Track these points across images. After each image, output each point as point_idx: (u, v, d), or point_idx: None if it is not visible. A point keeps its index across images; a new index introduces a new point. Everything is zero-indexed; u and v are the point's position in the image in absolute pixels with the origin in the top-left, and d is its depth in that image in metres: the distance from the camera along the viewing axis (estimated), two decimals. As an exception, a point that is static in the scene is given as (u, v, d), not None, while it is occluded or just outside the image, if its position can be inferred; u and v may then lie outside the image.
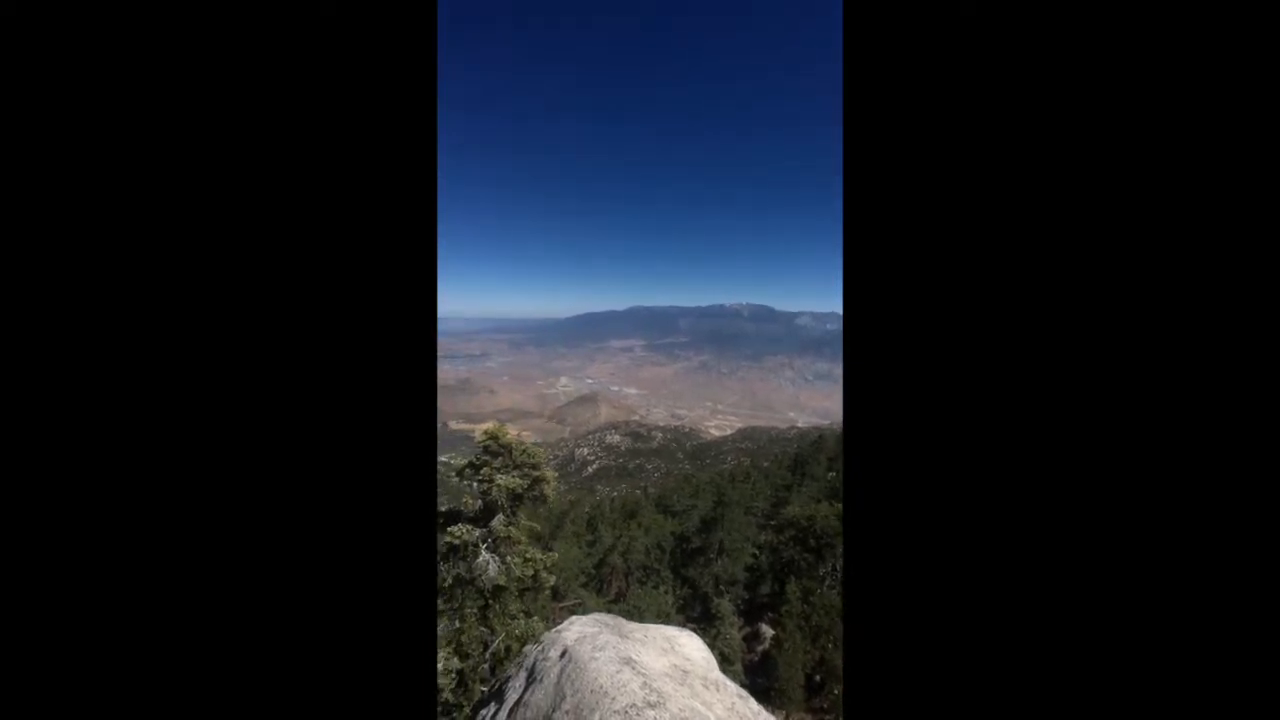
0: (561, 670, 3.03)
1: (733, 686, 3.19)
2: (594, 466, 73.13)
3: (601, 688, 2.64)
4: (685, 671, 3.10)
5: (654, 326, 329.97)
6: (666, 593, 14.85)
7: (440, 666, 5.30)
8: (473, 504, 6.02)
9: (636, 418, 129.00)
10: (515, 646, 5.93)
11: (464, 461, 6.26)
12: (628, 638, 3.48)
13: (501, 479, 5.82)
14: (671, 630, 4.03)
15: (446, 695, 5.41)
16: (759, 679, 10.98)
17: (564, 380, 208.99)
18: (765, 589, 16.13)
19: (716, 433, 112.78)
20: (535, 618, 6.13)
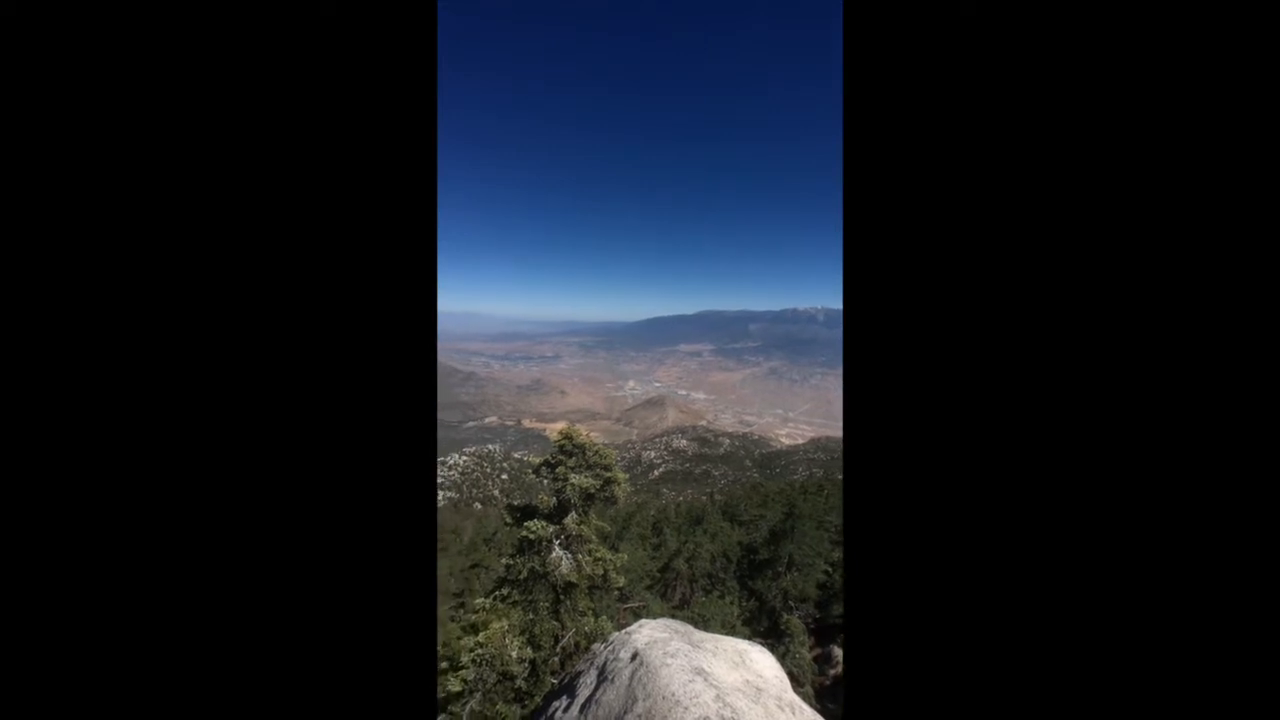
0: (633, 673, 3.07)
1: (809, 711, 3.05)
2: (660, 470, 73.30)
3: (674, 695, 2.63)
4: (758, 689, 3.01)
5: (723, 330, 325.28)
6: (732, 603, 14.51)
7: (515, 654, 5.56)
8: (548, 501, 6.26)
9: (704, 423, 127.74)
10: (584, 643, 6.08)
11: (540, 459, 6.54)
12: (698, 647, 3.44)
13: (575, 478, 6.01)
14: (742, 644, 3.93)
15: (520, 683, 5.67)
16: (830, 704, 10.40)
17: (632, 383, 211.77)
18: (838, 609, 15.27)
19: (787, 441, 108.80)
20: (604, 617, 6.25)
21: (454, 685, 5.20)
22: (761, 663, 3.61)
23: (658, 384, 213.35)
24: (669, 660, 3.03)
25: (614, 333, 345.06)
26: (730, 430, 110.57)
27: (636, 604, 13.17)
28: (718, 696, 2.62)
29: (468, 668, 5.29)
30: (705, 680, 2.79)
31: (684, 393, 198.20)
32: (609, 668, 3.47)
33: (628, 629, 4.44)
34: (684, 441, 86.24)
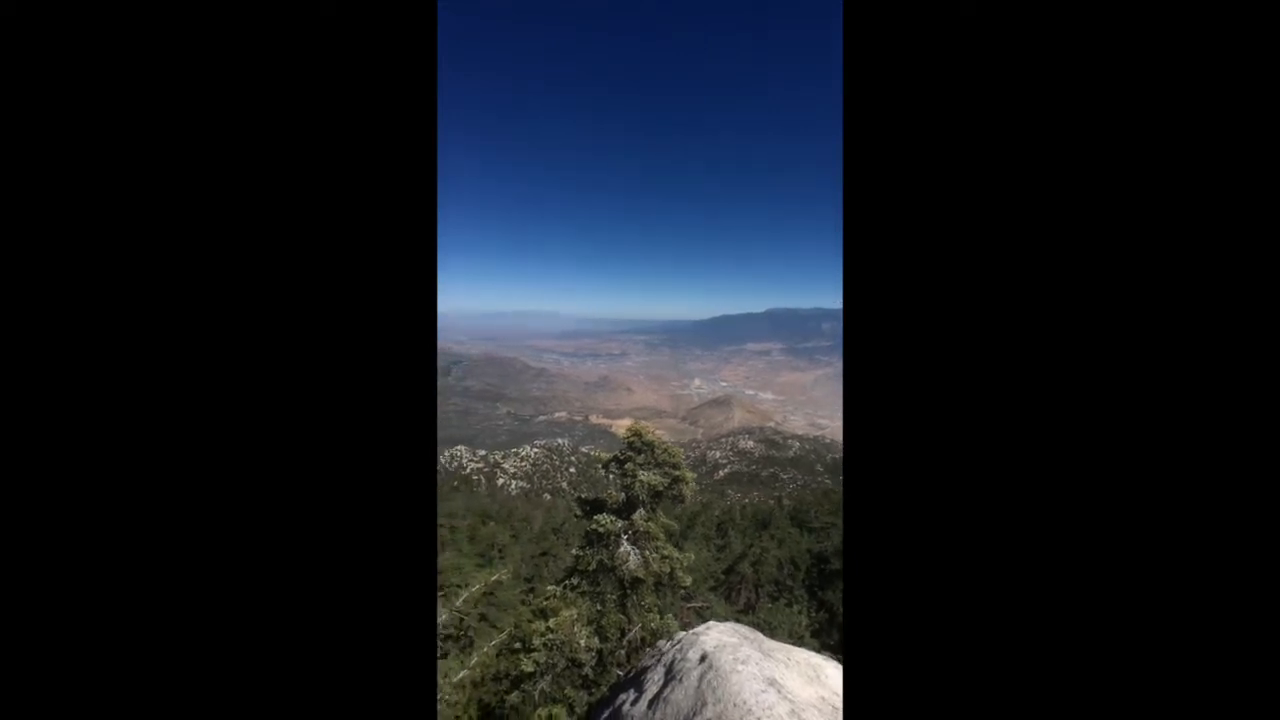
0: (702, 675, 3.04)
1: (891, 737, 2.85)
2: (725, 470, 72.19)
3: (745, 703, 2.58)
4: (835, 708, 2.87)
5: (794, 329, 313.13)
6: (800, 613, 13.96)
7: (583, 643, 5.72)
8: (616, 496, 6.37)
9: (772, 424, 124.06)
10: (649, 638, 6.13)
11: (609, 455, 6.67)
12: (770, 656, 3.34)
13: (644, 475, 6.06)
14: (816, 658, 3.77)
15: (587, 671, 5.82)
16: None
17: (698, 382, 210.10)
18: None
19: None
20: (670, 615, 6.26)
21: (527, 666, 5.45)
22: (838, 680, 3.44)
23: (724, 383, 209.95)
24: (739, 667, 2.97)
25: (680, 331, 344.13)
26: (800, 433, 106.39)
27: (700, 604, 13.07)
28: (792, 711, 2.52)
29: (539, 651, 5.52)
30: (778, 692, 2.70)
31: (751, 392, 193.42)
32: (676, 667, 3.47)
33: (695, 629, 4.41)
34: (751, 442, 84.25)
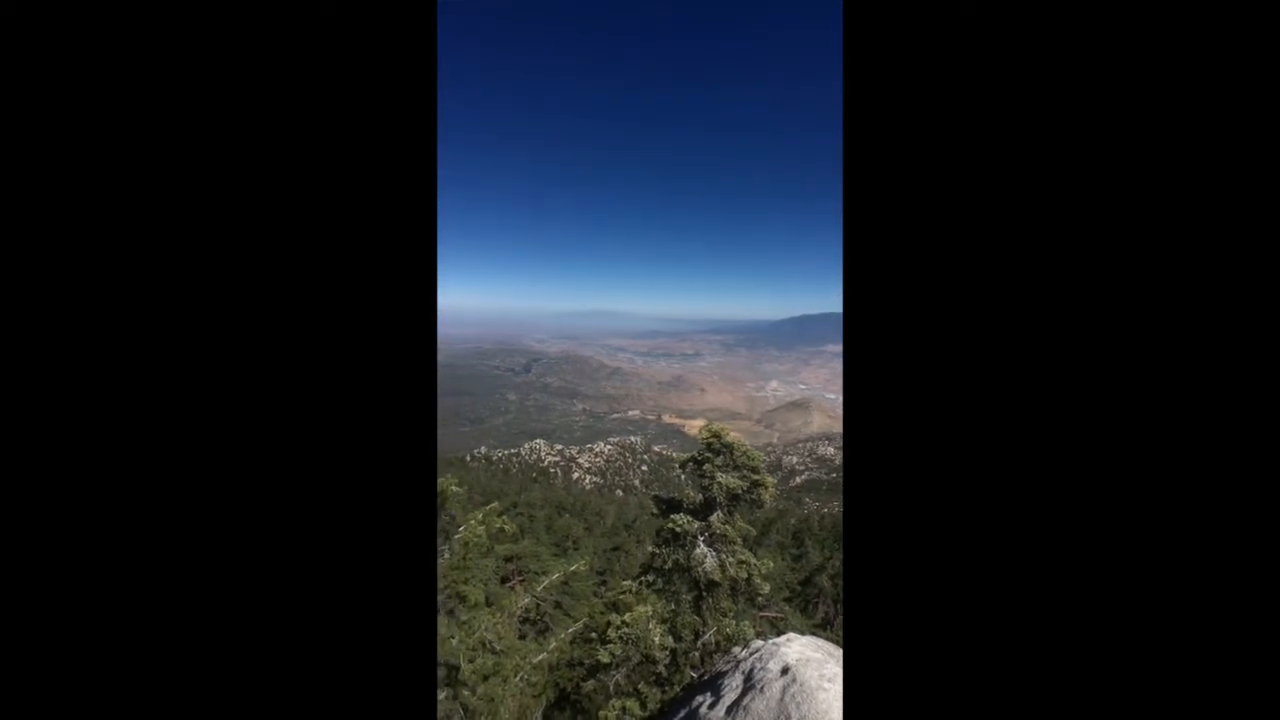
0: (785, 688, 2.92)
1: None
2: (802, 477, 69.19)
3: (834, 723, 2.43)
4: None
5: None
6: (886, 635, 13.00)
7: (657, 641, 5.75)
8: (693, 497, 6.33)
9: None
10: (724, 643, 6.02)
11: (685, 456, 6.64)
12: (859, 677, 3.14)
13: (722, 477, 5.96)
14: (911, 685, 3.48)
15: (661, 669, 5.84)
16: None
17: (774, 384, 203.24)
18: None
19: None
20: (745, 621, 6.11)
21: (603, 657, 5.58)
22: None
23: (802, 386, 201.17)
24: (826, 685, 2.81)
25: (757, 331, 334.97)
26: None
27: (775, 614, 12.62)
28: (888, 738, 2.34)
29: (614, 643, 5.63)
30: (871, 716, 2.53)
31: (832, 396, 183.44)
32: (756, 676, 3.37)
33: (775, 640, 4.26)
34: (831, 449, 80.00)
